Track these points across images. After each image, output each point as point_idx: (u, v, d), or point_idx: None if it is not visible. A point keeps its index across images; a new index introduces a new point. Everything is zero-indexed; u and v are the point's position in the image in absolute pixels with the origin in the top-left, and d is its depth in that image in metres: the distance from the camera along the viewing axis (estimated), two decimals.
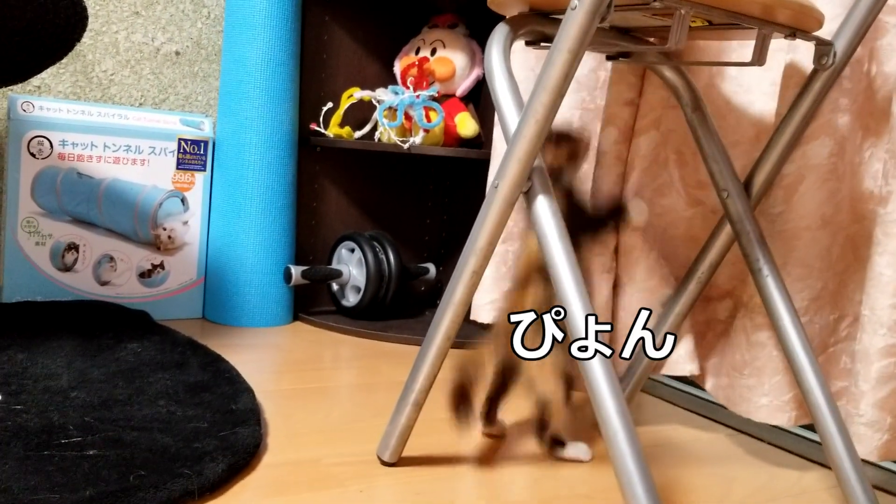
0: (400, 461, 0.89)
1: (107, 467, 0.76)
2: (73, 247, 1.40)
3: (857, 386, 0.87)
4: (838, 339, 0.97)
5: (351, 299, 1.56)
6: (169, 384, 1.04)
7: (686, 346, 1.08)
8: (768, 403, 0.98)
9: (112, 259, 1.43)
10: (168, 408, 0.95)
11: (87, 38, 1.50)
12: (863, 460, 0.99)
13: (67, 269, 1.40)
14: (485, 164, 1.52)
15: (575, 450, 0.96)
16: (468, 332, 1.50)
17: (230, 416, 0.94)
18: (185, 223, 1.49)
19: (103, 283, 1.43)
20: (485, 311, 1.35)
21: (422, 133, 1.45)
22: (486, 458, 0.93)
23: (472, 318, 1.36)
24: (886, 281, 0.85)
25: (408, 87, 1.49)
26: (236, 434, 0.88)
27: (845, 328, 0.96)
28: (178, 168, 1.47)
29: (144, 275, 1.46)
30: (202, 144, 1.49)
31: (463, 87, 1.56)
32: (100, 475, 0.74)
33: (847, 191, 0.95)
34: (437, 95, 1.50)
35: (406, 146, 1.45)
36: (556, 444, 0.95)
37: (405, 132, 1.49)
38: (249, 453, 0.85)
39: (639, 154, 1.08)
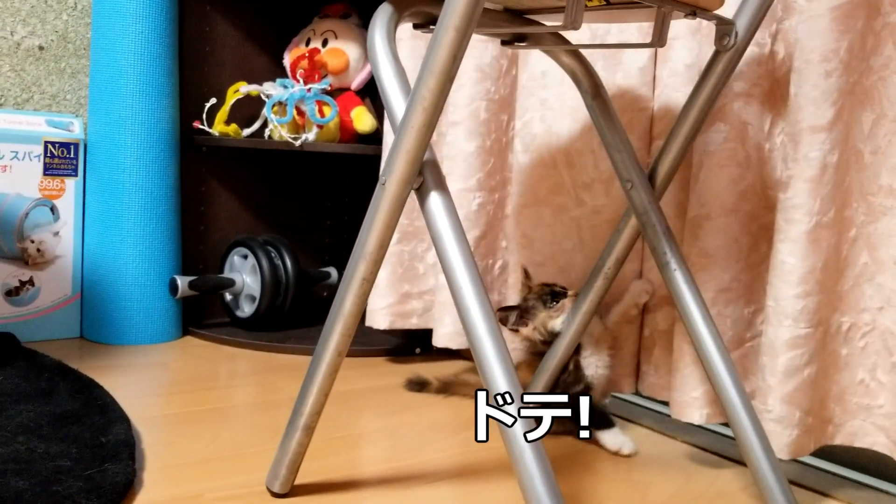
0: (292, 490, 0.80)
1: None
2: None
3: (764, 380, 0.83)
4: (755, 333, 0.93)
5: (246, 310, 1.46)
6: (31, 417, 0.92)
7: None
8: (678, 399, 0.94)
9: None
10: (28, 444, 0.84)
11: None
12: None
13: None
14: None
15: (614, 439, 0.97)
16: (375, 340, 1.43)
17: (99, 450, 0.84)
18: (56, 234, 1.35)
19: None
20: (381, 316, 1.27)
21: (315, 129, 1.37)
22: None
23: (367, 323, 1.28)
24: (789, 269, 0.81)
25: (298, 81, 1.40)
26: (104, 472, 0.78)
27: (762, 322, 0.92)
28: (45, 174, 1.34)
29: (11, 293, 1.32)
30: (72, 147, 1.36)
31: (358, 80, 1.48)
32: None
33: (755, 178, 0.92)
34: (329, 89, 1.41)
35: (298, 143, 1.35)
36: (603, 424, 0.98)
37: (297, 128, 1.40)
38: (119, 493, 0.75)
39: None
